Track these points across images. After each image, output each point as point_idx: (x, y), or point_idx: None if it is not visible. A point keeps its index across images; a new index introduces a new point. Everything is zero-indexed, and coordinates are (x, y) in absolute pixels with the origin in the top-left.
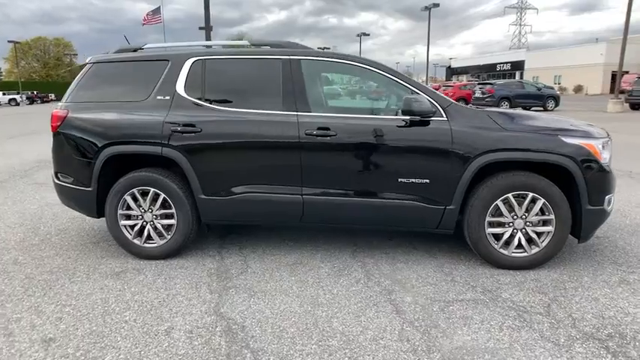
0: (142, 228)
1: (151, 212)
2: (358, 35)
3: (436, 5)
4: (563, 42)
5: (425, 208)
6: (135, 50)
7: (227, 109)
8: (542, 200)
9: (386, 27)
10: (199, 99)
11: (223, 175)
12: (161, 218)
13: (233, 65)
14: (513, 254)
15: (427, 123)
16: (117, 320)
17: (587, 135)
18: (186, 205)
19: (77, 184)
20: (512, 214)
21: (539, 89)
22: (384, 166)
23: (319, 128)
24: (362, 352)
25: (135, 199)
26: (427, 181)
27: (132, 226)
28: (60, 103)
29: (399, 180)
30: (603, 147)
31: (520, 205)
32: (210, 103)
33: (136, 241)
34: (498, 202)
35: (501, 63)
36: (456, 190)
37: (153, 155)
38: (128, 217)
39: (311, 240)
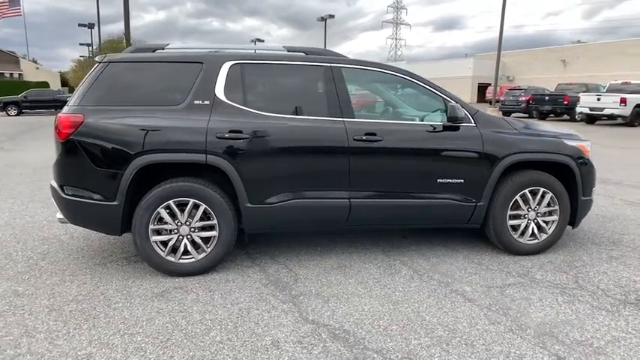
0: (175, 243)
1: (189, 225)
2: (252, 41)
3: (331, 16)
4: (430, 55)
5: (460, 205)
6: (154, 50)
7: (273, 114)
8: (551, 194)
9: (270, 33)
10: (242, 104)
11: (271, 183)
12: (199, 230)
13: (273, 70)
14: (528, 242)
15: (457, 128)
16: (209, 342)
17: (578, 138)
18: (229, 216)
19: (96, 198)
20: (527, 207)
21: None
22: (425, 168)
23: (367, 134)
24: (472, 338)
25: (170, 212)
26: (462, 180)
27: (164, 242)
28: (68, 107)
29: (438, 180)
30: (590, 147)
31: (533, 199)
32: (255, 109)
33: (169, 257)
34: (517, 197)
35: None
36: (485, 187)
37: (195, 164)
38: (159, 233)
39: (334, 244)
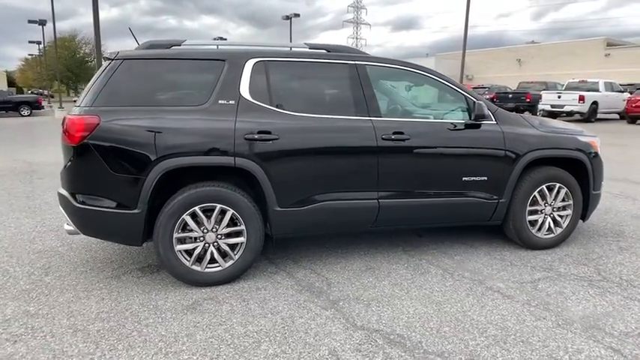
0: (201, 251)
1: (215, 232)
2: (215, 39)
3: (297, 15)
4: (389, 55)
5: (484, 202)
6: (170, 47)
7: (301, 114)
8: (566, 189)
9: (228, 32)
10: (269, 103)
11: (301, 185)
12: (225, 237)
13: (298, 68)
14: (545, 236)
15: (479, 126)
16: (263, 356)
17: (587, 134)
18: (257, 221)
19: (115, 206)
20: (544, 202)
21: None
22: (451, 166)
23: (395, 132)
24: (526, 335)
25: (195, 219)
26: (485, 178)
27: (188, 251)
28: (79, 108)
29: (463, 178)
30: (599, 143)
31: (550, 194)
32: (281, 108)
33: (195, 267)
34: (535, 192)
35: None
36: (507, 184)
37: (222, 167)
38: (183, 241)
39: (354, 245)
